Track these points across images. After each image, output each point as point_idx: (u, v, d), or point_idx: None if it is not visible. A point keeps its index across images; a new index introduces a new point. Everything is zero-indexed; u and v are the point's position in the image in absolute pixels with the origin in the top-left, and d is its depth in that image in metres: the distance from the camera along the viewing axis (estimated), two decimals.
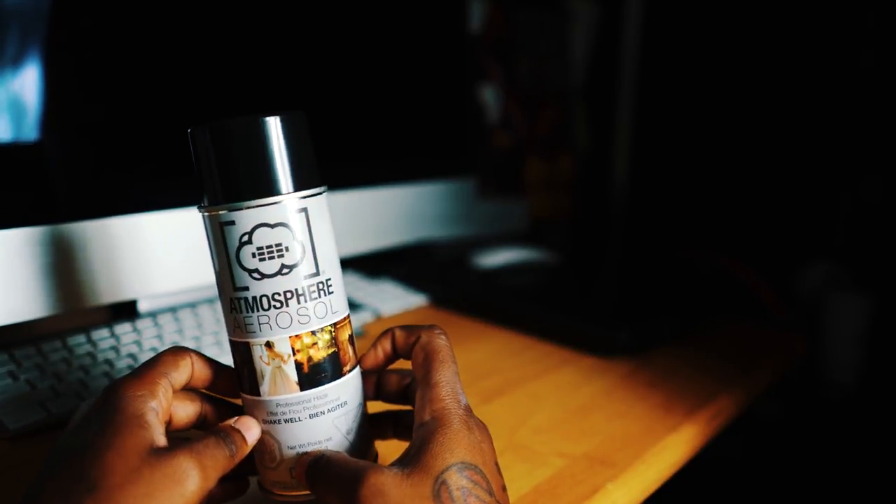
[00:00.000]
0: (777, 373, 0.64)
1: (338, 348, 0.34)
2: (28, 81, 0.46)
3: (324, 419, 0.33)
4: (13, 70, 0.45)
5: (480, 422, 0.33)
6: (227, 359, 0.55)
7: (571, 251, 1.10)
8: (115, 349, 0.51)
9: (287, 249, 0.32)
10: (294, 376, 0.33)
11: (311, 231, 0.32)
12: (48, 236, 0.47)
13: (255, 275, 0.32)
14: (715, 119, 1.10)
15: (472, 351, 0.61)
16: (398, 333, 0.36)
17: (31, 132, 0.46)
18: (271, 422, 0.33)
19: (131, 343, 0.53)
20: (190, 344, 0.54)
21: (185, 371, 0.33)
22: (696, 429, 0.50)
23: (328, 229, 0.34)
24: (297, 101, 0.63)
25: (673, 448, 0.47)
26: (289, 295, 0.32)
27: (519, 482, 0.41)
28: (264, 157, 0.31)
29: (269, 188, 0.31)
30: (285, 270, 0.32)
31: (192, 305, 0.59)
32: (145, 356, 0.51)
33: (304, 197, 0.32)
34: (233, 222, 0.31)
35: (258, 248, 0.31)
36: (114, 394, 0.29)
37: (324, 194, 0.33)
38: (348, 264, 0.77)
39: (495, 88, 1.03)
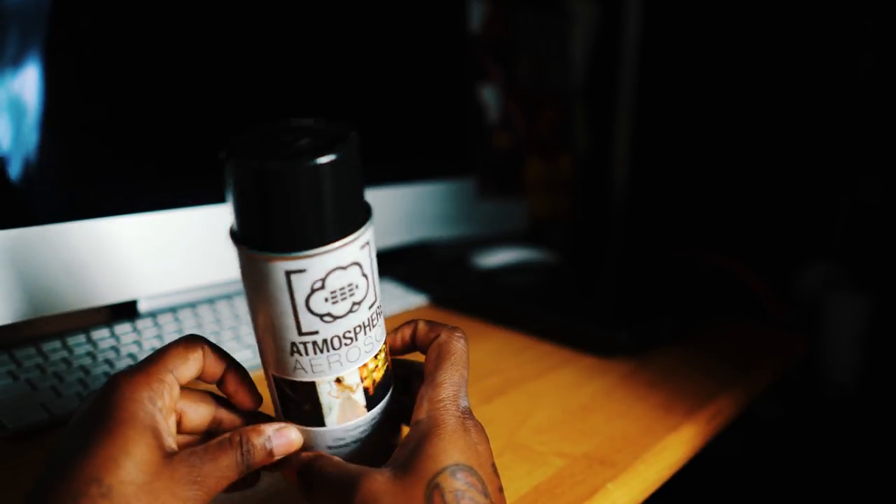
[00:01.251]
0: (777, 373, 0.64)
1: (388, 360, 0.34)
2: (28, 81, 0.46)
3: (381, 428, 0.34)
4: (13, 70, 0.45)
5: (478, 423, 0.33)
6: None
7: (571, 251, 1.10)
8: (115, 349, 0.51)
9: (357, 287, 0.30)
10: (362, 401, 0.33)
11: (372, 260, 0.31)
12: (47, 236, 0.47)
13: (327, 318, 0.30)
14: (714, 119, 1.10)
15: (472, 351, 0.61)
16: (421, 326, 0.37)
17: (31, 131, 0.46)
18: (337, 447, 0.33)
19: (131, 343, 0.53)
20: None
21: (195, 364, 0.32)
22: (696, 429, 0.50)
23: (375, 246, 0.32)
24: (296, 101, 0.63)
25: (673, 448, 0.47)
26: (358, 329, 0.31)
27: (519, 482, 0.41)
28: (337, 197, 0.28)
29: (343, 229, 0.28)
30: (355, 307, 0.30)
31: (192, 305, 0.59)
32: (145, 356, 0.51)
33: (369, 228, 0.30)
34: (304, 270, 0.28)
35: (331, 293, 0.29)
36: (117, 392, 0.29)
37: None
38: None
39: (495, 88, 1.03)
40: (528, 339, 0.64)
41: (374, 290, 0.31)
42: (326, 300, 0.29)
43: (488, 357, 0.60)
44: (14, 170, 0.46)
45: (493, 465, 0.32)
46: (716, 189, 1.10)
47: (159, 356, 0.31)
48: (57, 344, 0.50)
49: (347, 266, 0.29)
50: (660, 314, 0.66)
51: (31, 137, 0.47)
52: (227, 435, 0.31)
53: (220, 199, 0.57)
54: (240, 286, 0.64)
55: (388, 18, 0.72)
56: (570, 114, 1.18)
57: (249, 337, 0.57)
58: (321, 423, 0.32)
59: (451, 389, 0.33)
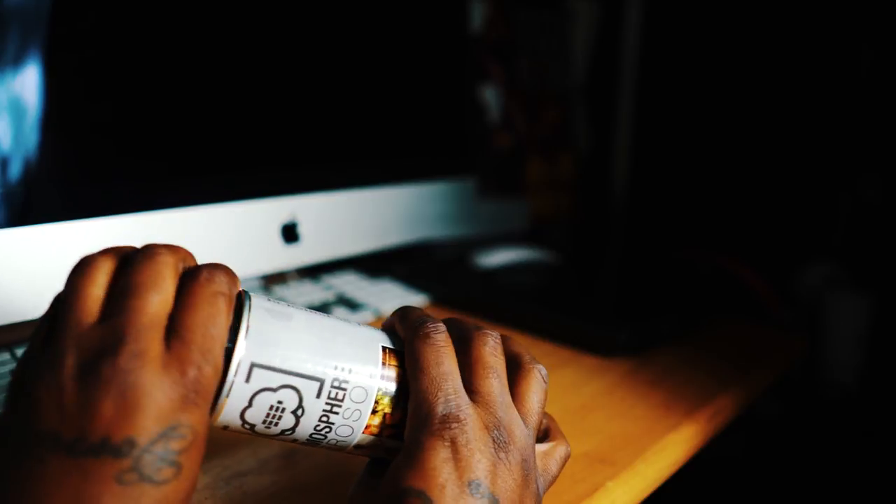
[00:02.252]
0: (777, 373, 0.64)
1: (398, 384, 0.32)
2: (29, 81, 0.46)
3: None
4: (14, 70, 0.45)
5: (466, 425, 0.29)
6: None
7: (571, 251, 1.10)
8: None
9: (281, 402, 0.29)
10: (395, 443, 0.32)
11: (277, 369, 0.28)
12: (47, 236, 0.47)
13: (287, 433, 0.30)
14: (715, 119, 1.10)
15: None
16: (396, 324, 0.34)
17: (32, 130, 0.47)
18: None
19: None
20: None
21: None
22: (696, 428, 0.50)
23: (286, 331, 0.29)
24: (297, 100, 0.64)
25: (673, 447, 0.47)
26: (324, 419, 0.30)
27: None
28: None
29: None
30: (300, 412, 0.29)
31: None
32: None
33: (242, 358, 0.28)
34: (226, 426, 0.29)
35: (263, 423, 0.29)
36: None
37: (251, 319, 0.28)
38: (349, 264, 0.77)
39: (496, 88, 1.03)
40: (528, 339, 0.64)
41: (310, 379, 0.29)
42: (268, 426, 0.29)
43: None
44: (15, 169, 0.46)
45: (475, 483, 0.28)
46: (716, 188, 1.10)
47: (215, 331, 0.26)
48: None
49: (251, 402, 0.28)
50: (660, 314, 0.66)
51: (32, 137, 0.47)
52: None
53: (219, 199, 0.57)
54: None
55: (389, 18, 0.72)
56: (570, 113, 1.18)
57: None
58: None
59: (420, 401, 0.30)
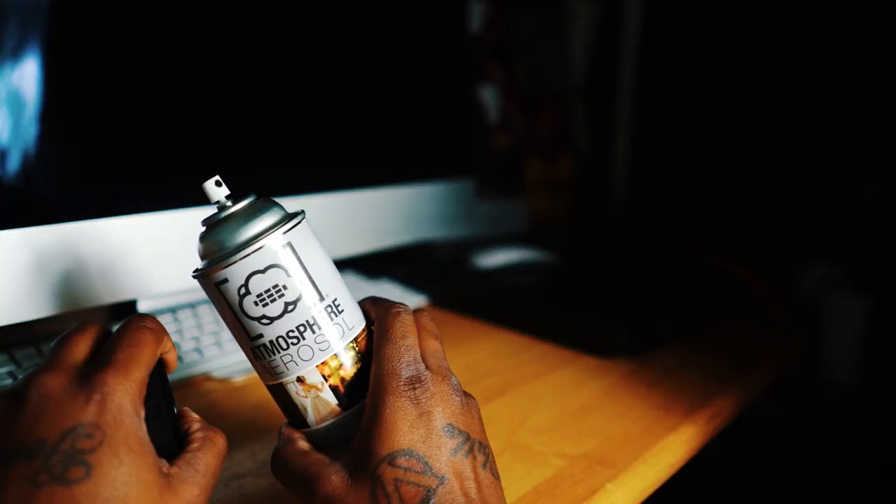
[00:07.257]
0: (776, 373, 0.64)
1: (364, 362, 0.34)
2: (30, 81, 0.46)
3: None
4: (16, 69, 0.45)
5: (430, 385, 0.32)
6: (225, 359, 0.55)
7: (571, 251, 1.10)
8: None
9: (285, 288, 0.32)
10: (333, 400, 0.33)
11: (301, 262, 0.32)
12: (48, 237, 0.47)
13: (265, 321, 0.32)
14: (714, 119, 1.10)
15: (472, 351, 0.61)
16: (367, 306, 0.36)
17: (29, 131, 0.46)
18: (329, 446, 0.34)
19: None
20: (189, 344, 0.54)
21: (171, 357, 0.33)
22: (696, 429, 0.50)
23: (318, 250, 0.34)
24: (297, 101, 0.63)
25: (672, 448, 0.47)
26: (302, 328, 0.32)
27: (518, 482, 0.41)
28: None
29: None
30: (290, 308, 0.32)
31: (192, 306, 0.59)
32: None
33: (286, 231, 0.32)
34: (226, 280, 0.31)
35: (258, 296, 0.31)
36: (108, 400, 0.27)
37: (304, 220, 0.33)
38: (348, 265, 0.77)
39: (495, 89, 1.03)
40: (527, 340, 0.64)
41: (316, 289, 0.32)
42: (256, 304, 0.32)
43: (488, 357, 0.60)
44: (14, 170, 0.46)
45: (448, 427, 0.31)
46: (716, 189, 1.10)
47: (138, 351, 0.29)
48: None
49: (265, 269, 0.31)
50: (660, 314, 0.66)
51: (32, 138, 0.47)
52: (212, 443, 0.31)
53: None
54: None
55: (389, 19, 0.72)
56: (569, 114, 1.18)
57: None
58: (306, 425, 0.34)
59: (387, 364, 0.32)
